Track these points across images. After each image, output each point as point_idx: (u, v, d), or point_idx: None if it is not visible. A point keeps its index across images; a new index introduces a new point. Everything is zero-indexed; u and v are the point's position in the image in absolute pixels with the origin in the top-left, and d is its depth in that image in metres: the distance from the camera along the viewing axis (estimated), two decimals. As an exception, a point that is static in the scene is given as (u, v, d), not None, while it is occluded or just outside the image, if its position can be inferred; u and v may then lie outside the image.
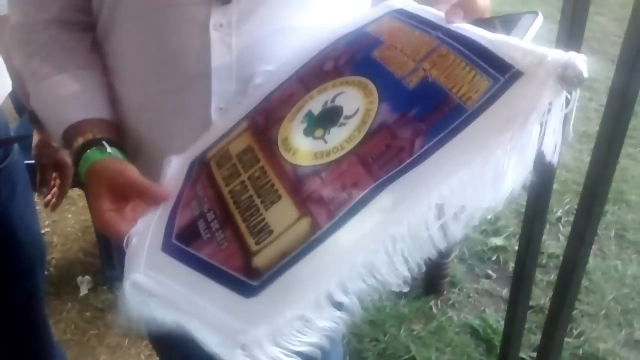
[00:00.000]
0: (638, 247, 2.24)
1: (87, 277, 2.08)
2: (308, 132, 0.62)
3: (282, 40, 0.74)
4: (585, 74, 0.48)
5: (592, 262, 2.11)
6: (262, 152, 0.64)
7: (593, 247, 2.04)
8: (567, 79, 0.48)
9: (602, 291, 2.03)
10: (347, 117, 0.60)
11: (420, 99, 0.56)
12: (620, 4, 4.41)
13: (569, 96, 0.49)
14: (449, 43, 0.59)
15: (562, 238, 2.21)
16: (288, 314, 0.50)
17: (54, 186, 1.22)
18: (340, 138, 0.59)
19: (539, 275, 2.02)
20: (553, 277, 1.96)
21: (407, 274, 0.51)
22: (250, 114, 0.71)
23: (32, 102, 0.81)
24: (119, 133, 0.79)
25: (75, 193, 2.34)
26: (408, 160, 0.52)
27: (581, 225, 1.23)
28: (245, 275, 0.54)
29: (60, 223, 2.37)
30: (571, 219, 1.26)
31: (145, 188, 0.66)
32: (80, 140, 0.73)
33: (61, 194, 1.22)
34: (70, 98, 0.77)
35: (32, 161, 1.19)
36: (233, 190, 0.62)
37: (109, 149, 0.72)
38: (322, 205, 0.54)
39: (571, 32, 1.10)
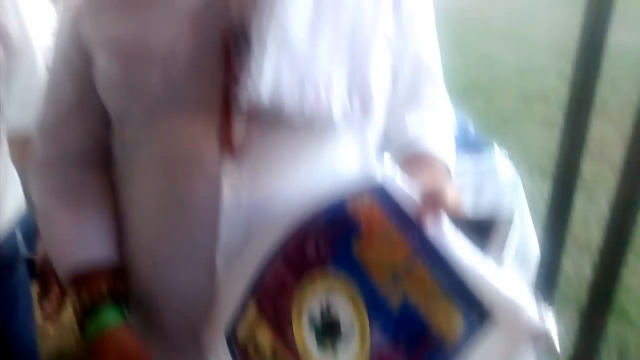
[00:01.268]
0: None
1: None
2: (321, 349, 0.67)
3: (292, 193, 0.77)
4: (558, 349, 0.54)
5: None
6: None
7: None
8: (539, 344, 0.55)
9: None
10: (347, 333, 0.66)
11: (405, 327, 0.62)
12: (621, 111, 4.36)
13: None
14: (426, 259, 0.63)
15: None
16: None
17: (54, 296, 1.23)
18: None
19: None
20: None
21: None
22: (251, 287, 0.73)
23: (44, 240, 0.85)
24: (123, 281, 0.81)
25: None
26: None
27: (582, 345, 1.16)
28: None
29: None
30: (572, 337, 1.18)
31: None
32: (86, 296, 0.77)
33: (60, 309, 1.22)
34: (80, 239, 0.80)
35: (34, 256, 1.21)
36: None
37: (124, 313, 0.78)
38: None
39: (572, 139, 1.09)
